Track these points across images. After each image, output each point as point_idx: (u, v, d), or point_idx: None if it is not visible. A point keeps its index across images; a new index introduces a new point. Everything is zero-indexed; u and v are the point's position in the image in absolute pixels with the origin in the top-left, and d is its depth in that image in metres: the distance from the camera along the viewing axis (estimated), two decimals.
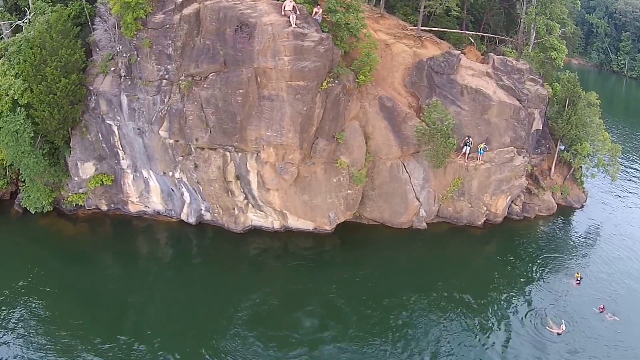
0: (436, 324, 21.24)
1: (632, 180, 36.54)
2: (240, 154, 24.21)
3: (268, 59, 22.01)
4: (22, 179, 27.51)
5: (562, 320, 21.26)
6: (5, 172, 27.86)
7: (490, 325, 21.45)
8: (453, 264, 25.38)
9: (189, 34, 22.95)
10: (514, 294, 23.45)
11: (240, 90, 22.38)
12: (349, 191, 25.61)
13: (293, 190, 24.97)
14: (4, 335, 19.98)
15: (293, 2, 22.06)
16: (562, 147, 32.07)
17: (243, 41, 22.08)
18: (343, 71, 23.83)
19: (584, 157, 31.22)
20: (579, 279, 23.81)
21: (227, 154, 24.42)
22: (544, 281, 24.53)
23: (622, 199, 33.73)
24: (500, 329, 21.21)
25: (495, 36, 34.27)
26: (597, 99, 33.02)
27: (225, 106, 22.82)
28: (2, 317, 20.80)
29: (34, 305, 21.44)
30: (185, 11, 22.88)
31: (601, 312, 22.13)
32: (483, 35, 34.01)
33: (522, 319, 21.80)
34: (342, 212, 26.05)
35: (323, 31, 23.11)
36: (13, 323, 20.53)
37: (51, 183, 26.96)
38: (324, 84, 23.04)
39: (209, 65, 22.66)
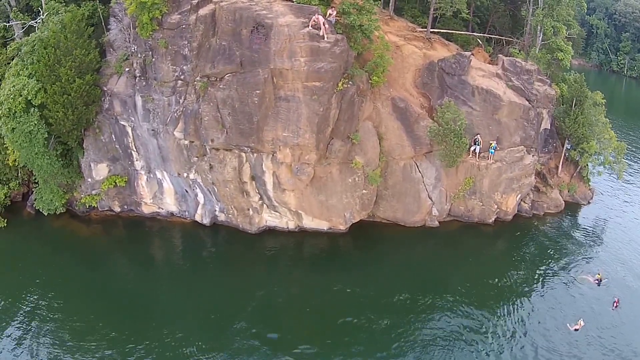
0: (451, 321, 21.43)
1: (636, 177, 37.11)
2: (255, 154, 24.31)
3: (284, 59, 22.14)
4: (35, 180, 27.44)
5: (579, 317, 21.52)
6: (18, 174, 27.77)
7: (504, 321, 21.68)
8: (466, 262, 25.65)
9: (204, 35, 23.04)
10: (528, 290, 23.73)
11: (257, 91, 22.50)
12: (364, 191, 25.83)
13: (309, 190, 25.13)
14: (18, 336, 19.98)
15: (320, 15, 22.15)
16: (569, 146, 32.55)
17: (259, 42, 22.20)
18: (357, 72, 24.05)
19: (591, 155, 31.73)
20: (600, 279, 23.91)
21: (243, 154, 24.52)
22: (556, 277, 24.81)
23: (627, 195, 34.26)
24: (515, 325, 21.44)
25: (502, 38, 34.68)
26: (602, 99, 33.54)
27: (242, 107, 22.91)
28: (16, 319, 20.80)
29: (47, 306, 21.44)
30: (201, 12, 22.98)
31: (615, 307, 22.45)
32: (489, 37, 34.41)
33: (537, 315, 22.04)
34: (357, 211, 26.26)
35: (337, 33, 23.31)
36: (27, 325, 20.53)
37: (64, 184, 26.93)
38: (340, 84, 23.23)
39: (225, 66, 22.75)
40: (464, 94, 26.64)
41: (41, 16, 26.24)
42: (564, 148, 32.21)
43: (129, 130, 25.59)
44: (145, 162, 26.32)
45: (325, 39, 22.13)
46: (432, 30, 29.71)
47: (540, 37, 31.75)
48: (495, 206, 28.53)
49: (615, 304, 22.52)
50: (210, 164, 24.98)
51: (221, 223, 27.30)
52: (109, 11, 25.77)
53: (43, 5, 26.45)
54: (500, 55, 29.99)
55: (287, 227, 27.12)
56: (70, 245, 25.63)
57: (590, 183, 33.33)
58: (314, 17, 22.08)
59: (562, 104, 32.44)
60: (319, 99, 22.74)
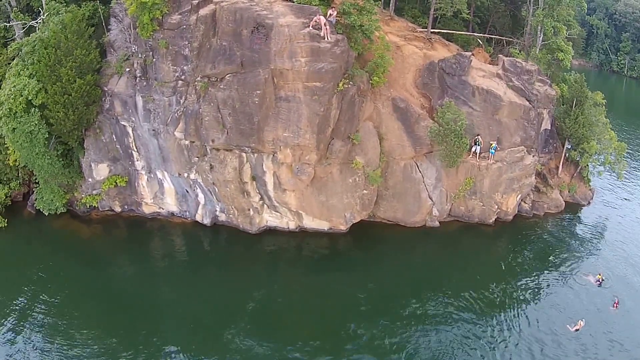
0: (450, 321, 21.46)
1: (636, 177, 37.14)
2: (256, 155, 24.33)
3: (285, 60, 22.16)
4: (35, 180, 27.46)
5: (579, 318, 21.54)
6: (18, 174, 27.79)
7: (504, 321, 21.70)
8: (466, 262, 25.66)
9: (205, 35, 23.05)
10: (529, 291, 23.74)
11: (258, 91, 22.52)
12: (364, 191, 25.86)
13: (309, 190, 25.14)
14: (19, 336, 20.01)
15: (321, 16, 22.18)
16: (569, 146, 32.56)
17: (260, 42, 22.22)
18: (357, 72, 24.08)
19: (591, 155, 31.77)
20: (600, 280, 23.95)
21: (243, 155, 24.54)
22: (557, 277, 24.82)
23: (627, 195, 34.29)
24: (515, 326, 21.47)
25: (502, 38, 34.69)
26: (602, 99, 33.57)
27: (242, 107, 22.93)
28: (15, 318, 20.82)
29: (47, 306, 21.47)
30: (202, 12, 22.98)
31: (615, 307, 22.47)
32: (489, 37, 34.42)
33: (537, 315, 22.07)
34: (358, 212, 26.29)
35: (337, 33, 23.33)
36: (27, 324, 20.56)
37: (65, 184, 26.93)
38: (340, 85, 23.26)
39: (226, 66, 22.77)
40: (464, 94, 26.65)
41: (41, 16, 26.24)
42: (564, 148, 32.23)
43: (130, 130, 25.60)
44: (146, 162, 26.34)
45: (327, 39, 22.14)
46: (432, 30, 29.73)
47: (541, 38, 31.77)
48: (496, 206, 28.54)
49: (615, 304, 22.54)
50: (210, 164, 24.99)
51: (222, 223, 27.32)
52: (109, 11, 25.74)
53: (43, 5, 26.44)
54: (500, 55, 30.01)
55: (288, 227, 27.13)
56: (71, 245, 25.65)
57: (590, 183, 33.37)
58: (315, 17, 22.10)
59: (563, 104, 32.46)
60: (319, 99, 22.76)
